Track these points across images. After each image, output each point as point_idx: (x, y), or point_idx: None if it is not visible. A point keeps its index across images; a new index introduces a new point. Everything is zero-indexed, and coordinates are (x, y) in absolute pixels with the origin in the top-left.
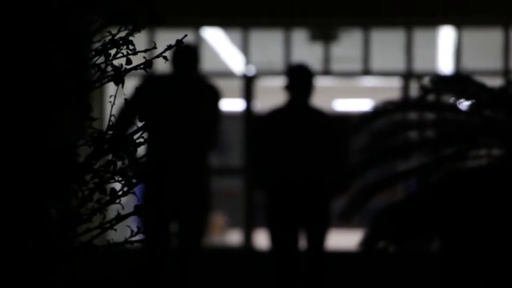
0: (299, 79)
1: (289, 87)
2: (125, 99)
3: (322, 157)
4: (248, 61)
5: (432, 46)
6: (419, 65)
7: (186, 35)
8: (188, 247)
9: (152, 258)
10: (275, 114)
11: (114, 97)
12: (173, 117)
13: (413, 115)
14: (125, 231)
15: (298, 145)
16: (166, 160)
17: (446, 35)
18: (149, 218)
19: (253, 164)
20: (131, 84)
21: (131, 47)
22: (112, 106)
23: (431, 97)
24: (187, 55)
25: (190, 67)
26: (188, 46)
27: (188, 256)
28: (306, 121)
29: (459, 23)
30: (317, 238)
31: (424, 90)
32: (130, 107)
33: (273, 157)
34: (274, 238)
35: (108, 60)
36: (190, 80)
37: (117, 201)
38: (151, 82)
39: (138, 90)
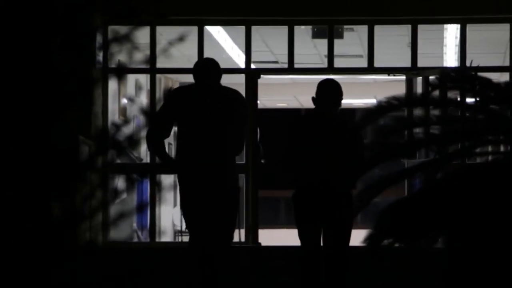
0: (327, 93)
1: (317, 100)
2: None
3: (346, 161)
4: (251, 58)
5: (438, 43)
6: (424, 61)
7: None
8: (218, 247)
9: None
10: (303, 121)
11: (119, 94)
12: (201, 122)
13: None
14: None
15: (324, 150)
16: (196, 163)
17: (452, 31)
18: (189, 218)
19: (282, 165)
20: (132, 80)
21: (134, 43)
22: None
23: (436, 94)
24: (211, 66)
25: (215, 77)
26: (210, 59)
27: (217, 255)
28: (333, 129)
29: (465, 20)
30: (341, 238)
31: (430, 86)
32: (162, 112)
33: (301, 160)
34: (301, 235)
35: (111, 56)
36: (217, 88)
37: (120, 198)
38: (181, 91)
39: (168, 97)
